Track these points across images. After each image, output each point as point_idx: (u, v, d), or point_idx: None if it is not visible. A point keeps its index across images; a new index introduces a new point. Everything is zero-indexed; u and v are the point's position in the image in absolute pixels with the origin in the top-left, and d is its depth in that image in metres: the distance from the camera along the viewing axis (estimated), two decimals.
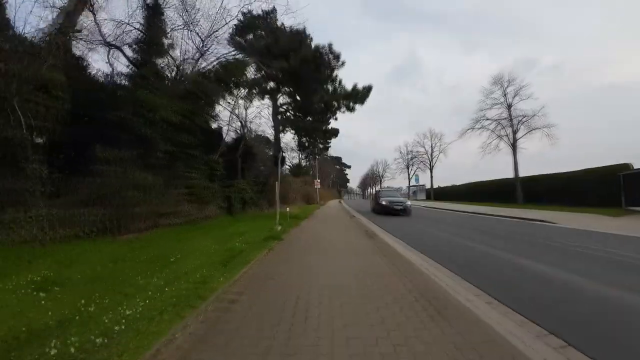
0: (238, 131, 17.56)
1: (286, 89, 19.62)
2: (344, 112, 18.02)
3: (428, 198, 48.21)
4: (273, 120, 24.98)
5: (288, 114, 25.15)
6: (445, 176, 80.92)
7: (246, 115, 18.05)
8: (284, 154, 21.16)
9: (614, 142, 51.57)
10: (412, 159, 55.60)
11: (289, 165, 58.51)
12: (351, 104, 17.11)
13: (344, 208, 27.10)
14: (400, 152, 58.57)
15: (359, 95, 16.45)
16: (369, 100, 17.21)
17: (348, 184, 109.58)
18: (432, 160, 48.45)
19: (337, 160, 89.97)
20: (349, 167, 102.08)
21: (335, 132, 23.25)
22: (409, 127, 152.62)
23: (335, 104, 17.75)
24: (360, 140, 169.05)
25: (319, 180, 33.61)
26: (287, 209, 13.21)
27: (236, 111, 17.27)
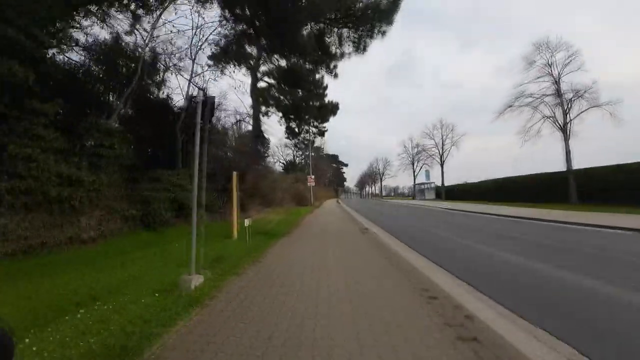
0: (183, 92, 11.03)
1: (263, 41, 13.20)
2: (349, 55, 11.46)
3: (438, 197, 42.03)
4: (251, 96, 18.60)
5: (272, 89, 18.78)
6: (452, 174, 74.86)
7: (195, 64, 11.50)
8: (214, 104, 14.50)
9: (607, 143, 45.37)
10: (418, 153, 49.42)
11: (283, 163, 51.64)
12: (363, 38, 10.35)
13: (345, 211, 20.69)
14: (405, 147, 52.40)
15: (379, 9, 9.49)
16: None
17: (345, 183, 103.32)
18: (442, 154, 42.21)
19: (334, 158, 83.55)
20: (346, 165, 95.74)
21: (333, 109, 16.92)
22: (408, 126, 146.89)
23: (336, 41, 11.22)
24: (357, 140, 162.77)
25: (313, 177, 27.16)
26: (247, 221, 6.80)
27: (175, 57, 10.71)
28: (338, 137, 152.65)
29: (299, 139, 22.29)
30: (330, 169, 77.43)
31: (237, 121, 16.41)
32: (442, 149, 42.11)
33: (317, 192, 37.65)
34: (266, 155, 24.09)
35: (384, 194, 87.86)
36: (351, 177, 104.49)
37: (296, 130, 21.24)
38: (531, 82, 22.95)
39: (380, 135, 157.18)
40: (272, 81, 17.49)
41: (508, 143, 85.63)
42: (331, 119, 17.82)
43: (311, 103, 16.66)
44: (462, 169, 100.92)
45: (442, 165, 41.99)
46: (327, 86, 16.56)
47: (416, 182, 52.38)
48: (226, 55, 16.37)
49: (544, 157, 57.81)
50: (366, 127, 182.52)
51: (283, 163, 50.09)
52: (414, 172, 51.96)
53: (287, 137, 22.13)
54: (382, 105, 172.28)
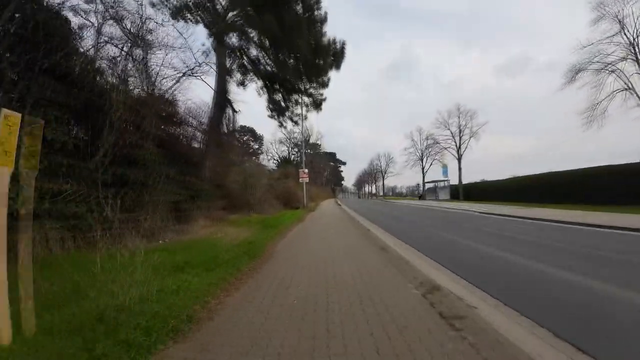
0: None
1: None
2: None
3: (454, 197, 36.10)
4: (215, 50, 12.53)
5: (242, 39, 12.73)
6: (462, 172, 68.84)
7: None
8: None
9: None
10: (428, 147, 43.29)
11: (277, 160, 44.68)
12: None
13: (351, 218, 14.55)
14: (412, 140, 46.12)
15: None
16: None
17: (343, 182, 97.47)
18: (460, 146, 36.23)
19: (332, 156, 77.57)
20: (344, 163, 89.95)
21: (335, 55, 10.83)
22: (408, 125, 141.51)
23: None
24: (356, 139, 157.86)
25: (306, 171, 21.03)
26: None
27: None
28: (337, 135, 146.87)
29: (285, 116, 16.10)
30: (327, 167, 71.43)
31: (182, 74, 10.19)
32: (460, 141, 36.15)
33: (312, 192, 31.51)
34: (235, 130, 17.94)
35: (381, 193, 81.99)
36: (348, 176, 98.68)
37: (282, 103, 15.10)
38: (602, 43, 17.12)
39: (380, 135, 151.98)
40: (239, 19, 11.40)
41: (510, 144, 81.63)
42: (333, 76, 11.65)
43: (301, 23, 10.52)
44: (469, 167, 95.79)
45: (459, 159, 36.01)
46: (326, 16, 10.48)
47: (425, 180, 46.41)
48: None
49: (551, 155, 52.55)
50: (365, 126, 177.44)
51: (277, 160, 43.71)
52: (422, 168, 45.91)
53: (271, 115, 15.96)
54: (381, 105, 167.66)
